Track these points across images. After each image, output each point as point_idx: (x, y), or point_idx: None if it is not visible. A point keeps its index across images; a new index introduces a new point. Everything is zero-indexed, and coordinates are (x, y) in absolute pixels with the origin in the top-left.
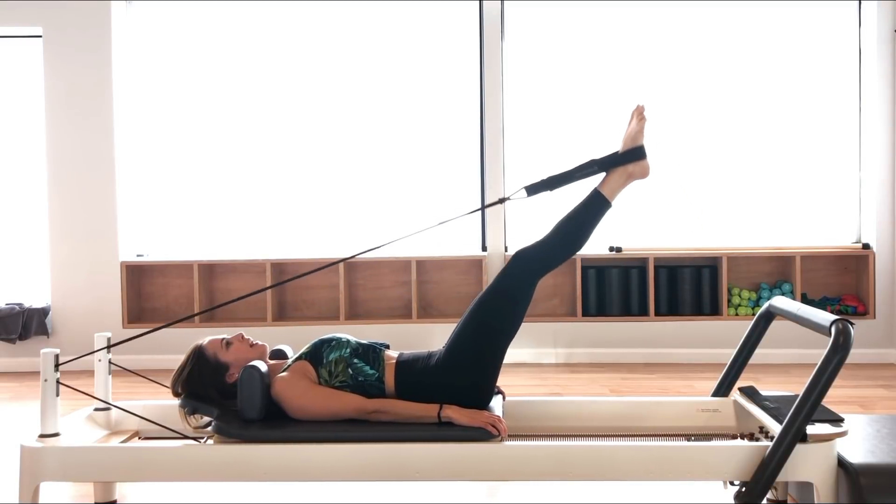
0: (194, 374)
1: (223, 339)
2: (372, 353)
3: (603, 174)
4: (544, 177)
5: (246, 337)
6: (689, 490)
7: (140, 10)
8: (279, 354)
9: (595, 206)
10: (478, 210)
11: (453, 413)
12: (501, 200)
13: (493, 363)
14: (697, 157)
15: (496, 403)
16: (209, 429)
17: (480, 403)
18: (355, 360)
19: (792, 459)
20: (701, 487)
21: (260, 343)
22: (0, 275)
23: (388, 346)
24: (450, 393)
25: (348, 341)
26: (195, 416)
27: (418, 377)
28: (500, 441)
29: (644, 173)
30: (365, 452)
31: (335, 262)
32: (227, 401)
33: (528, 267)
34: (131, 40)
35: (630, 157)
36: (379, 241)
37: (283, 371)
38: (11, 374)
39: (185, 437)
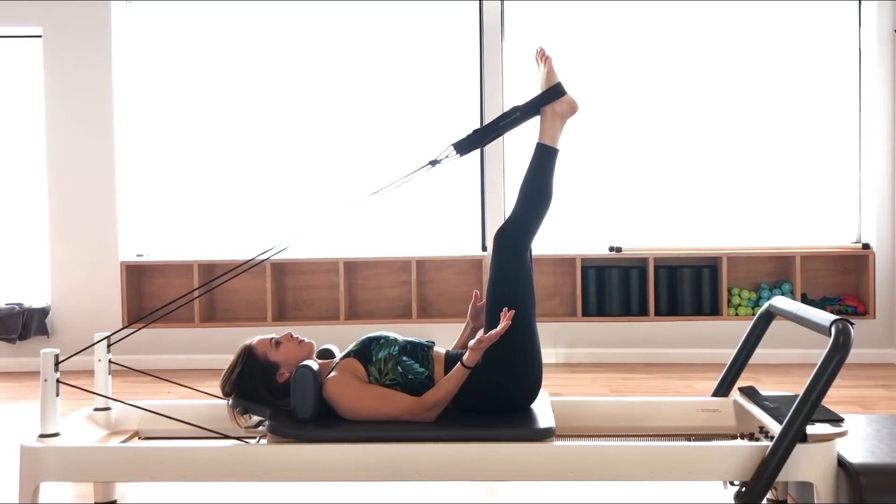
0: (245, 373)
1: (272, 338)
2: (420, 350)
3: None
4: (470, 132)
5: (294, 336)
6: (689, 490)
7: (140, 10)
8: (326, 354)
9: (543, 158)
10: (406, 178)
11: (474, 354)
12: (433, 163)
13: (529, 344)
14: (697, 156)
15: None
16: (260, 428)
17: (531, 393)
18: (404, 358)
19: (792, 459)
20: (701, 487)
21: (308, 340)
22: (0, 275)
23: (434, 344)
24: (499, 389)
25: (396, 339)
26: (246, 416)
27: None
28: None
29: (572, 109)
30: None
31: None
32: (278, 400)
33: (511, 241)
34: (131, 40)
35: (551, 97)
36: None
37: (331, 370)
38: (11, 374)
39: (227, 437)
